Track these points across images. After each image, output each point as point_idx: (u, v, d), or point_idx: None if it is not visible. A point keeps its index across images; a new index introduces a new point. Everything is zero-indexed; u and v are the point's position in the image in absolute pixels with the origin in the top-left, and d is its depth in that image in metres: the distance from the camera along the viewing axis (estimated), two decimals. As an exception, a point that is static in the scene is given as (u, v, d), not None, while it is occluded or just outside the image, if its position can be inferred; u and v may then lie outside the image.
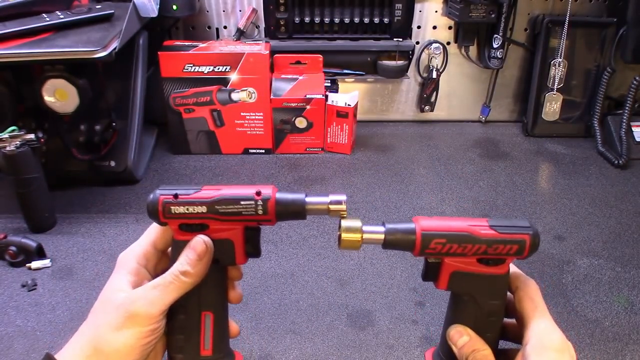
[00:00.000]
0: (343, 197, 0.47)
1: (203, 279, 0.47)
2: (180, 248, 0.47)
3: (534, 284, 0.51)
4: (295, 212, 0.47)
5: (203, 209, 0.46)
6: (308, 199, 0.47)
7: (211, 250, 0.46)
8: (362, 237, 0.48)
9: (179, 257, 0.46)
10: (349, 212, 0.46)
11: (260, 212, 0.46)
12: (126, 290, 0.45)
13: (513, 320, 0.51)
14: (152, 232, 0.49)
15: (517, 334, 0.49)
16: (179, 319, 0.48)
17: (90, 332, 0.44)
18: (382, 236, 0.48)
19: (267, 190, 0.46)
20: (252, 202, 0.46)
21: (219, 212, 0.46)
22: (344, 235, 0.48)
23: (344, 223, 0.48)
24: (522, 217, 0.47)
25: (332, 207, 0.48)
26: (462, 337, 0.49)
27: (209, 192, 0.46)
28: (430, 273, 0.50)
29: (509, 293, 0.52)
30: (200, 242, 0.46)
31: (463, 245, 0.47)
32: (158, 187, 0.46)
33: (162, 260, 0.50)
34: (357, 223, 0.48)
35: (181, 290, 0.45)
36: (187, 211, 0.46)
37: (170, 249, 0.49)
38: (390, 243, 0.47)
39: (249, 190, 0.46)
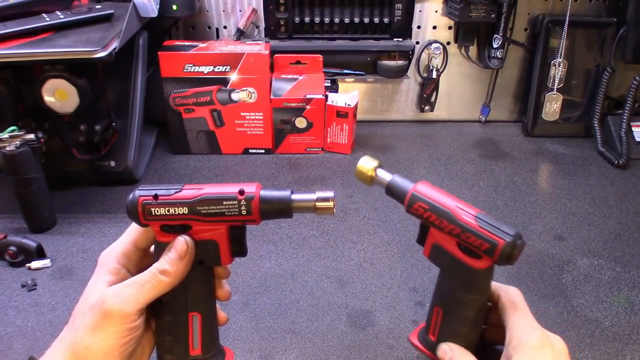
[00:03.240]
0: (330, 194, 0.46)
1: (189, 280, 0.46)
2: (162, 250, 0.45)
3: (514, 289, 0.52)
4: (280, 210, 0.45)
5: (184, 210, 0.44)
6: (294, 197, 0.45)
7: (192, 250, 0.45)
8: (372, 175, 0.52)
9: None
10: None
11: (243, 212, 0.44)
12: (101, 290, 0.44)
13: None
14: (133, 231, 0.48)
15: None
16: (166, 320, 0.47)
17: (69, 336, 0.44)
18: (386, 182, 0.52)
19: (250, 189, 0.44)
20: (235, 202, 0.44)
21: (201, 213, 0.44)
22: (358, 167, 0.52)
23: (364, 159, 0.53)
24: (513, 226, 0.48)
25: (319, 204, 0.46)
26: (447, 354, 0.53)
27: (190, 192, 0.44)
28: (421, 237, 0.53)
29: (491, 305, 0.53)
30: (181, 242, 0.45)
31: (440, 220, 0.49)
32: (137, 187, 0.45)
33: (144, 260, 0.49)
34: (374, 163, 0.52)
35: (158, 290, 0.44)
36: (167, 212, 0.44)
37: (153, 247, 0.48)
38: (390, 191, 0.52)
39: (231, 189, 0.44)
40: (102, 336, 0.42)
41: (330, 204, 0.46)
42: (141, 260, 0.48)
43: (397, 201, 0.52)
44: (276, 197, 0.45)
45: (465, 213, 0.49)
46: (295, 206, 0.45)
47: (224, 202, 0.44)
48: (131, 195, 0.44)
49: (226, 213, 0.44)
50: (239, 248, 0.47)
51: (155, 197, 0.44)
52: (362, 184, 0.53)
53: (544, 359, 0.46)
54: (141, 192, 0.44)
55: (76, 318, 0.44)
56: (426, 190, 0.51)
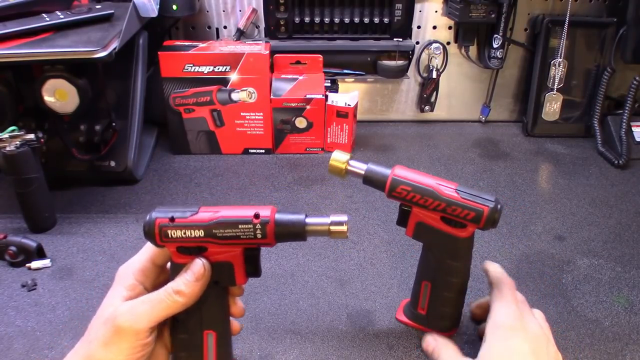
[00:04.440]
0: (344, 218, 0.47)
1: (204, 299, 0.46)
2: (178, 269, 0.46)
3: (507, 280, 0.56)
4: (295, 234, 0.46)
5: (200, 232, 0.44)
6: (308, 220, 0.46)
7: (209, 273, 0.46)
8: (346, 167, 0.55)
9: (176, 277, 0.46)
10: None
11: (259, 235, 0.45)
12: (116, 305, 0.45)
13: None
14: (151, 247, 0.48)
15: None
16: (181, 337, 0.48)
17: (84, 349, 0.44)
18: (362, 172, 0.54)
19: (265, 212, 0.45)
20: (251, 226, 0.45)
21: (217, 236, 0.45)
22: (331, 161, 0.55)
23: (335, 152, 0.56)
24: (491, 192, 0.53)
25: (333, 228, 0.47)
26: (430, 344, 0.58)
27: (207, 215, 0.45)
28: (402, 219, 0.55)
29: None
30: (199, 264, 0.45)
31: (425, 198, 0.52)
32: (155, 209, 0.45)
33: (161, 276, 0.49)
34: (346, 156, 0.55)
35: (171, 310, 0.45)
36: (184, 235, 0.44)
37: (169, 264, 0.49)
38: (368, 179, 0.54)
39: (247, 212, 0.45)
40: (115, 351, 0.43)
41: (344, 228, 0.47)
42: (158, 276, 0.49)
43: (376, 188, 0.54)
44: (291, 221, 0.46)
45: (447, 188, 0.52)
46: (309, 230, 0.46)
47: (240, 226, 0.45)
48: (148, 217, 0.45)
49: (242, 236, 0.45)
50: (253, 269, 0.48)
51: (172, 219, 0.44)
52: (337, 177, 0.56)
53: (515, 341, 0.50)
54: (158, 214, 0.45)
55: (91, 331, 0.45)
56: (405, 173, 0.53)
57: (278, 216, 0.45)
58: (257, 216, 0.45)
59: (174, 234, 0.44)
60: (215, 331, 0.48)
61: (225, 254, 0.46)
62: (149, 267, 0.48)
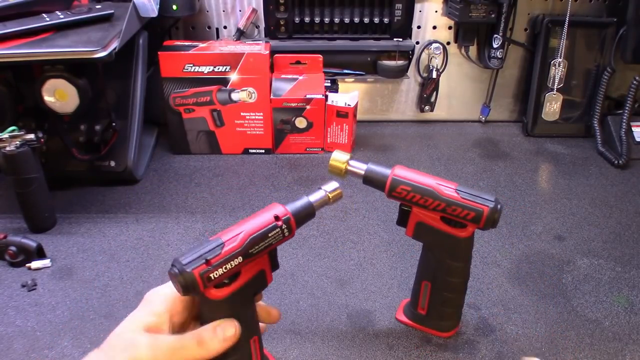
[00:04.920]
0: (336, 184, 0.52)
1: (250, 314, 0.49)
2: (213, 306, 0.46)
3: None
4: (308, 215, 0.50)
5: (239, 259, 0.45)
6: (312, 199, 0.51)
7: (238, 335, 0.46)
8: (346, 167, 0.55)
9: (211, 321, 0.46)
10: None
11: (286, 233, 0.48)
12: (136, 332, 0.44)
13: None
14: None
15: None
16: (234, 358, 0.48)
17: None
18: (362, 172, 0.55)
19: (279, 210, 0.48)
20: (279, 230, 0.47)
21: (253, 254, 0.46)
22: (331, 161, 0.56)
23: (335, 152, 0.56)
24: (491, 192, 0.54)
25: (331, 194, 0.52)
26: None
27: (234, 239, 0.45)
28: (402, 219, 0.56)
29: None
30: (231, 330, 0.46)
31: (425, 198, 0.52)
32: (180, 262, 0.43)
33: (189, 302, 0.48)
34: (346, 156, 0.56)
35: (192, 358, 0.44)
36: (225, 270, 0.45)
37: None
38: (368, 179, 0.55)
39: (265, 218, 0.47)
40: None
41: (340, 190, 0.52)
42: (186, 307, 0.48)
43: (376, 188, 0.55)
44: (302, 206, 0.50)
45: (447, 188, 0.52)
46: (316, 205, 0.51)
47: (269, 234, 0.47)
48: (178, 271, 0.43)
49: (273, 242, 0.47)
50: (275, 264, 0.51)
51: (208, 262, 0.44)
52: (337, 177, 0.57)
53: None
54: (189, 264, 0.43)
55: (109, 350, 0.44)
56: (405, 173, 0.54)
57: (291, 208, 0.49)
58: (277, 218, 0.47)
59: (216, 274, 0.44)
60: (257, 335, 0.51)
61: (257, 265, 0.48)
62: (178, 297, 0.47)
